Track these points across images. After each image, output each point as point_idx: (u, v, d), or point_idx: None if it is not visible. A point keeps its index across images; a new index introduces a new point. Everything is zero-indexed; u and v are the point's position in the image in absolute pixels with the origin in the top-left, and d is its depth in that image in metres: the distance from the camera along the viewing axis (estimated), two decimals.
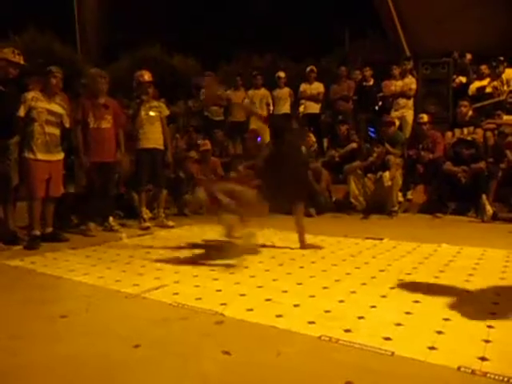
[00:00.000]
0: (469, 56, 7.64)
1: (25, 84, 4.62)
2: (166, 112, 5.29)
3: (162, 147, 5.07)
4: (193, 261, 3.34)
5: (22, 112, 4.03)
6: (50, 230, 4.27)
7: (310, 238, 4.09)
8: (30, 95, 4.08)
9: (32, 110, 4.06)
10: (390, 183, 5.46)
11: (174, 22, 16.69)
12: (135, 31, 15.10)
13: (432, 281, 2.67)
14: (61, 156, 4.29)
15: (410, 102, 7.23)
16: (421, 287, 2.54)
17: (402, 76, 7.28)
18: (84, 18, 14.32)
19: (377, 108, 7.72)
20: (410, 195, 5.89)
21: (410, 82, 7.20)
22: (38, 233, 4.11)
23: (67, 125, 4.36)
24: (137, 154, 5.03)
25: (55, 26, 13.14)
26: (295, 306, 2.28)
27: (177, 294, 2.53)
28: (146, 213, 5.27)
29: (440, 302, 2.28)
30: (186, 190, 6.18)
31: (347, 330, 1.94)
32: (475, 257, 3.26)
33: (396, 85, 7.26)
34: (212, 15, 17.41)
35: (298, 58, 12.75)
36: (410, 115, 7.16)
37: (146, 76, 5.07)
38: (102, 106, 4.68)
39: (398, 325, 1.99)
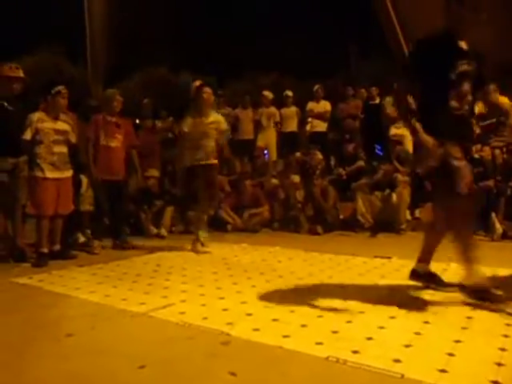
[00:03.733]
0: None
1: (32, 102, 4.67)
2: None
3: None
4: (200, 279, 3.32)
5: (28, 135, 4.02)
6: (57, 247, 4.28)
7: (317, 256, 4.07)
8: (35, 117, 4.07)
9: (39, 132, 4.06)
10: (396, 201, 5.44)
11: (180, 42, 17.04)
12: (143, 51, 15.42)
13: (442, 300, 2.63)
14: (69, 173, 4.30)
15: None
16: (430, 307, 2.50)
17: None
18: (94, 38, 14.63)
19: (383, 126, 7.73)
20: (418, 213, 5.85)
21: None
22: (45, 250, 4.12)
23: (73, 140, 4.35)
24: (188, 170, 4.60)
25: (66, 47, 13.48)
26: (302, 326, 2.25)
27: (183, 313, 2.51)
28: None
29: (451, 323, 2.24)
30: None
31: (355, 351, 1.91)
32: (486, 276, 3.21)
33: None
34: (218, 34, 17.75)
35: (304, 77, 12.93)
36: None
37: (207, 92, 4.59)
38: (114, 124, 4.73)
39: (408, 346, 1.96)
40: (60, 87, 4.24)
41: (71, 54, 13.78)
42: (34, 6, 16.07)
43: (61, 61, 13.21)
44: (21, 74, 4.30)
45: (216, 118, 4.68)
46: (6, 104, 4.18)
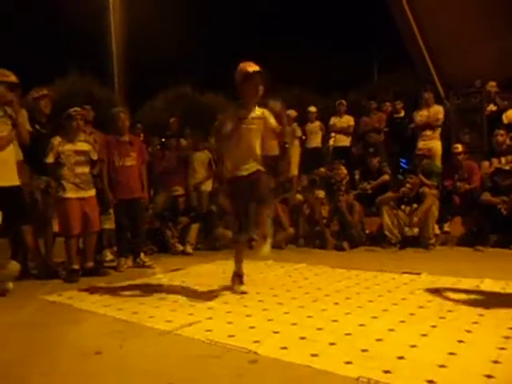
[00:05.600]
0: (492, 83, 7.37)
1: (61, 125, 4.84)
2: None
3: None
4: (225, 297, 3.31)
5: (51, 158, 4.17)
6: (91, 264, 4.34)
7: (344, 273, 4.00)
8: (56, 140, 4.22)
9: (60, 155, 4.19)
10: (416, 219, 5.32)
11: (204, 61, 17.42)
12: (167, 71, 15.83)
13: (476, 319, 2.53)
14: (93, 192, 4.38)
15: (437, 133, 7.03)
16: (464, 325, 2.40)
17: (428, 106, 7.09)
18: (120, 61, 15.12)
19: (408, 139, 7.63)
20: (447, 227, 5.69)
21: (437, 112, 7.02)
22: (76, 267, 4.20)
23: (94, 157, 4.43)
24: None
25: (94, 69, 13.98)
26: (331, 344, 2.20)
27: (210, 330, 2.50)
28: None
29: (487, 342, 2.15)
30: (217, 223, 6.22)
31: (387, 371, 1.85)
32: None
33: (422, 115, 7.09)
34: (241, 52, 18.05)
35: (326, 92, 12.95)
36: (437, 146, 6.96)
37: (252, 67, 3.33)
38: (127, 143, 4.75)
39: (442, 366, 1.88)
40: (71, 110, 4.31)
41: (100, 75, 14.26)
42: (61, 31, 16.78)
43: (90, 83, 13.66)
44: (45, 92, 4.51)
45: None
46: (38, 127, 4.36)
